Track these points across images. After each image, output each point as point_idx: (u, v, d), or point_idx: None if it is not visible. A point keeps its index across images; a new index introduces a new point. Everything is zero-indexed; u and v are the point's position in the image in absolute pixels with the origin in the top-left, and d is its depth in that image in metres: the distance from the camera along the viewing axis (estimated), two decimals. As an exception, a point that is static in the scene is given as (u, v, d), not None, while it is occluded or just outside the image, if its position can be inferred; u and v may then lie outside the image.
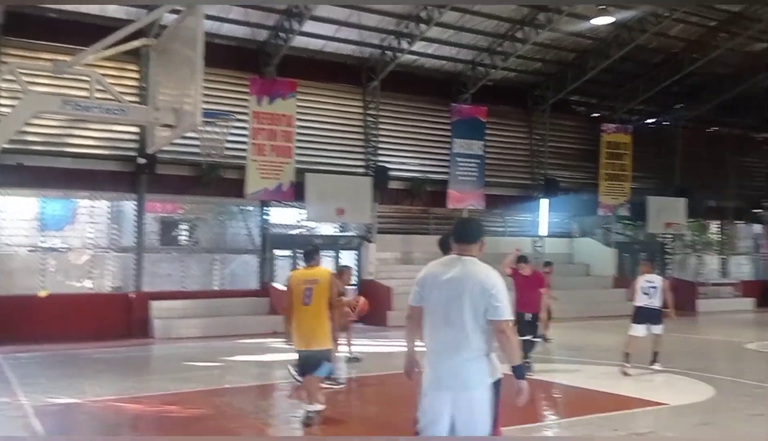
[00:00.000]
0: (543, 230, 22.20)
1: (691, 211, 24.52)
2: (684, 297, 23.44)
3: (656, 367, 9.50)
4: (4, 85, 12.99)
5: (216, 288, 18.93)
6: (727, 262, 27.67)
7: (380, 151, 19.40)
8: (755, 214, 27.67)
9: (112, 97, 6.76)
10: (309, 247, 7.24)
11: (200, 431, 6.52)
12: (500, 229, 23.62)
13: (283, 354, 12.14)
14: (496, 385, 3.73)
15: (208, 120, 7.39)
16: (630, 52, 19.51)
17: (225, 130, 8.02)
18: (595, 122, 23.55)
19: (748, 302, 24.37)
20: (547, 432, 6.08)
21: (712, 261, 27.91)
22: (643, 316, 9.59)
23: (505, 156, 21.93)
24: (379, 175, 18.73)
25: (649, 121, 25.05)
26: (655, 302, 9.62)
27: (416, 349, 3.95)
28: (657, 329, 9.61)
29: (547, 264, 14.61)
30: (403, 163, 20.14)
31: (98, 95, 6.85)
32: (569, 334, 15.67)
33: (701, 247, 28.17)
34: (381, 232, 19.78)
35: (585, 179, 23.31)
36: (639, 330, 9.56)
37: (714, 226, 28.35)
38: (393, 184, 19.51)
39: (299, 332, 6.43)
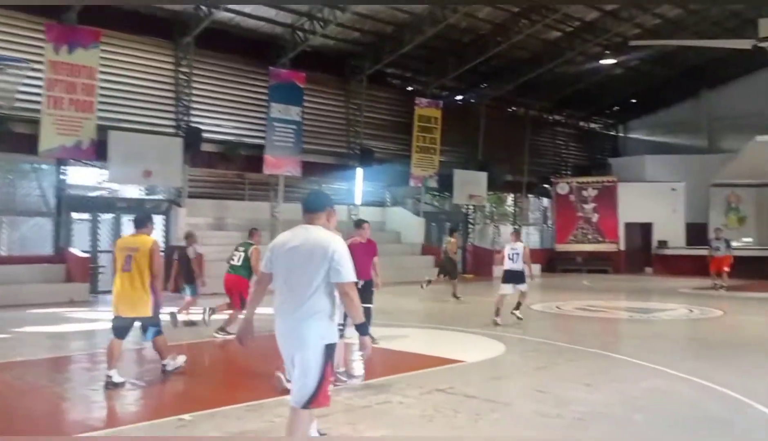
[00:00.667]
0: (358, 199, 22.74)
1: (491, 184, 26.48)
2: (482, 263, 25.51)
3: (517, 313, 11.43)
4: None
5: (3, 253, 17.08)
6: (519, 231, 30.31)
7: (193, 112, 18.57)
8: (544, 189, 30.59)
9: None
10: (140, 214, 7.23)
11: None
12: (316, 197, 23.82)
13: (79, 324, 11.36)
14: (329, 348, 3.91)
15: (-7, 64, 6.53)
16: (443, 30, 20.39)
17: (17, 79, 7.12)
18: (409, 96, 24.43)
19: (536, 268, 26.93)
20: (354, 392, 6.28)
21: (507, 230, 30.42)
22: (509, 277, 11.42)
23: (323, 124, 22.02)
24: (191, 137, 17.92)
25: (458, 98, 26.49)
26: (518, 266, 11.36)
27: (254, 316, 4.23)
28: (522, 287, 11.48)
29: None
30: (218, 125, 19.46)
31: None
32: (380, 300, 16.31)
33: (498, 217, 30.59)
34: (192, 196, 19.04)
35: (398, 150, 24.16)
36: (507, 288, 11.39)
37: (510, 199, 30.93)
38: (206, 147, 18.78)
39: (118, 298, 6.49)
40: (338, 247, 3.96)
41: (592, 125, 33.05)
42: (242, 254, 9.87)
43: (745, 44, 19.58)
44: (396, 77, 24.61)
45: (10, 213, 17.23)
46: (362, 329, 4.12)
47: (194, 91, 18.61)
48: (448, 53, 23.05)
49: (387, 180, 24.34)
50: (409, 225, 24.61)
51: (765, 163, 22.10)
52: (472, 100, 26.50)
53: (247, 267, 9.72)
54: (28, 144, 15.40)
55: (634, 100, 31.19)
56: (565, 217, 29.23)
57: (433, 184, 24.63)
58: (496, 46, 22.04)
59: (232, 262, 9.99)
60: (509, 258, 11.42)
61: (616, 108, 32.20)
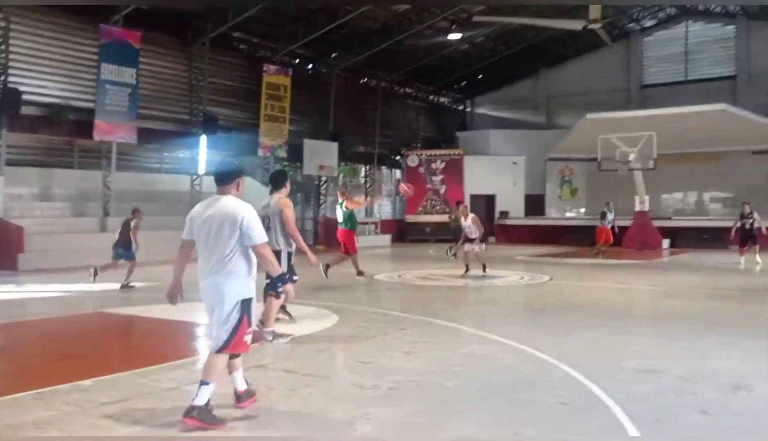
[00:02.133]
0: (202, 168, 21.78)
1: (342, 155, 26.44)
2: (334, 235, 25.46)
3: (487, 271, 14.43)
4: None
5: None
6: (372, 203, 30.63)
7: (12, 71, 16.78)
8: (396, 161, 31.07)
9: None
10: None
11: None
12: (156, 166, 22.57)
13: None
14: (245, 302, 4.58)
15: None
16: (290, -6, 19.88)
17: None
18: (257, 62, 23.65)
19: (386, 238, 27.46)
20: (163, 373, 5.90)
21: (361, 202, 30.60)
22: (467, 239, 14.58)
23: (162, 88, 20.81)
24: (8, 99, 16.23)
25: (308, 66, 26.05)
26: (474, 232, 14.39)
27: (181, 277, 4.79)
28: (480, 248, 14.62)
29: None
30: (41, 87, 17.74)
31: None
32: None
33: (352, 188, 30.70)
34: (12, 163, 17.33)
35: (246, 119, 23.40)
36: (468, 247, 14.64)
37: (362, 170, 31.13)
38: (27, 110, 17.13)
39: None
40: (246, 213, 4.54)
41: (442, 99, 33.93)
42: None
43: (576, 25, 20.82)
44: (243, 42, 23.72)
45: None
46: (280, 279, 5.35)
47: (12, 49, 16.80)
48: (298, 19, 22.52)
49: (234, 149, 23.49)
50: (259, 196, 23.81)
51: (594, 139, 23.71)
52: (323, 70, 26.17)
53: None
54: None
55: (480, 76, 32.34)
56: (414, 189, 29.86)
57: (282, 154, 24.15)
58: (346, 14, 21.81)
59: None
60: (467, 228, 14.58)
61: (463, 83, 33.26)
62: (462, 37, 26.67)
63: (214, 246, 4.54)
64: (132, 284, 12.29)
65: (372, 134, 28.83)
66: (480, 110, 34.70)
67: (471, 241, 14.50)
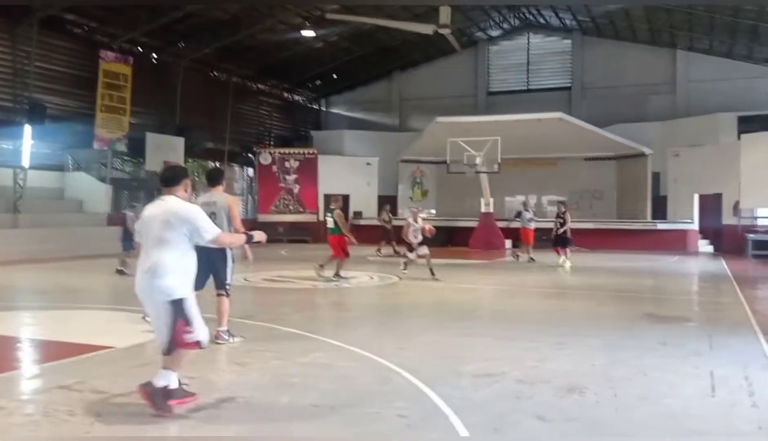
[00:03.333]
0: (26, 161, 19.69)
1: (190, 150, 25.12)
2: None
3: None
4: None
5: None
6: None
7: None
8: (248, 158, 30.09)
9: None
10: None
11: None
12: (-28, 157, 20.15)
13: None
14: (176, 303, 4.59)
15: None
16: (130, -24, 18.47)
17: None
18: (94, 47, 21.83)
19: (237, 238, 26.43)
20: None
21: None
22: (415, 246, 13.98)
23: (-20, 70, 18.56)
24: None
25: (153, 56, 24.49)
26: (419, 237, 13.97)
27: None
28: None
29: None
30: None
31: None
32: (43, 276, 14.27)
33: (201, 186, 29.30)
34: None
35: (80, 108, 21.55)
36: (412, 256, 14.10)
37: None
38: None
39: None
40: (191, 209, 4.72)
41: (296, 97, 33.37)
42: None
43: (426, 29, 21.12)
44: (77, 25, 21.78)
45: None
46: (248, 238, 5.28)
47: None
48: (139, 6, 21.00)
49: (66, 141, 21.56)
50: (94, 192, 22.19)
51: (444, 142, 24.25)
52: (169, 60, 24.72)
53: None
54: None
55: (335, 76, 32.15)
56: (267, 187, 29.12)
57: (122, 147, 22.52)
58: (190, 2, 20.66)
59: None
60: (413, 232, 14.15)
61: (318, 82, 32.91)
62: (316, 35, 26.28)
63: (151, 244, 4.68)
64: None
65: (223, 130, 27.68)
66: (335, 110, 34.53)
67: (414, 245, 13.89)
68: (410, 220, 14.28)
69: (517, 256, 19.71)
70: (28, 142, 19.57)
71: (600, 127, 26.32)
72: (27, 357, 6.93)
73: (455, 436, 4.38)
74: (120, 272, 13.99)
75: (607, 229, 24.75)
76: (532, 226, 19.35)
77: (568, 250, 17.25)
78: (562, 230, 17.17)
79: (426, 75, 32.13)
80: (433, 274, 13.71)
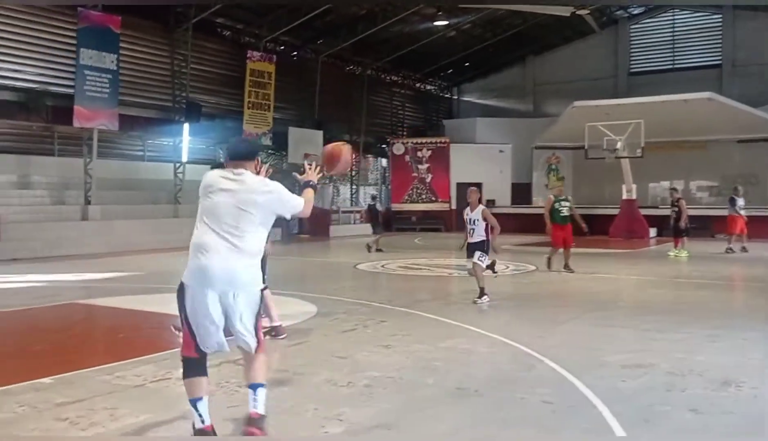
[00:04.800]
0: (184, 156, 21.39)
1: (327, 143, 25.91)
2: (319, 223, 25.23)
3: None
4: None
5: None
6: (357, 191, 30.36)
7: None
8: (382, 149, 30.76)
9: None
10: None
11: None
12: (139, 153, 22.18)
13: None
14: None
15: None
16: (274, -21, 19.47)
17: None
18: (241, 48, 23.24)
19: (370, 227, 27.16)
20: (129, 370, 5.63)
21: (346, 191, 30.36)
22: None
23: (144, 74, 20.40)
24: (-18, 83, 15.77)
25: (293, 53, 25.64)
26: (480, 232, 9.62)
27: None
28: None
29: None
30: (16, 72, 17.29)
31: None
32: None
33: (338, 177, 30.36)
34: (-12, 150, 16.89)
35: (230, 106, 23.03)
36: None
37: (349, 158, 30.76)
38: (3, 95, 16.69)
39: None
40: (276, 185, 4.06)
41: (428, 87, 33.60)
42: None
43: (564, 11, 20.55)
44: (226, 28, 23.27)
45: None
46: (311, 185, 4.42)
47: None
48: (282, 6, 22.10)
49: (217, 137, 23.13)
50: (244, 184, 23.57)
51: (582, 126, 23.51)
52: (308, 56, 25.78)
53: None
54: None
55: (467, 64, 32.03)
56: (400, 177, 29.64)
57: (267, 141, 23.78)
58: (329, 0, 21.42)
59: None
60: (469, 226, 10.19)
61: (450, 70, 32.94)
62: (448, 24, 26.34)
63: (230, 223, 3.80)
64: None
65: (358, 122, 28.51)
66: (466, 98, 34.42)
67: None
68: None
69: (730, 249, 17.17)
70: (186, 138, 21.26)
71: (754, 106, 24.37)
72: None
73: (603, 424, 4.39)
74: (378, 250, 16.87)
75: (764, 217, 22.91)
76: (743, 213, 17.52)
77: (684, 239, 16.18)
78: (679, 219, 15.99)
79: (561, 58, 31.22)
80: (567, 267, 12.99)
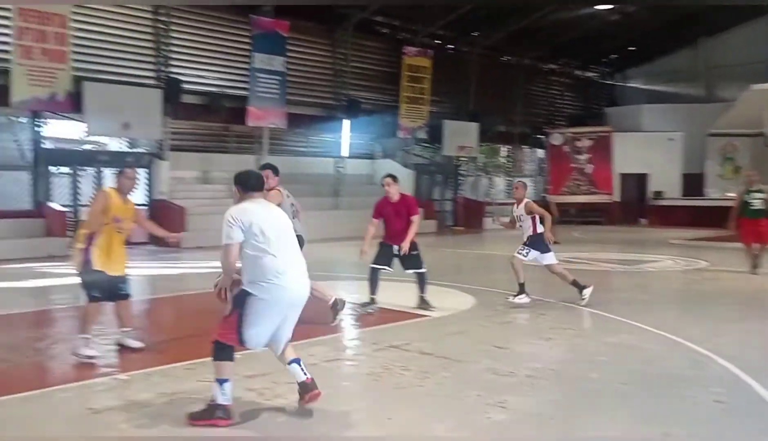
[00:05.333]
0: (345, 151, 22.36)
1: (483, 135, 26.03)
2: (473, 215, 25.29)
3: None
4: None
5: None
6: (512, 183, 29.96)
7: (173, 62, 18.08)
8: (538, 140, 30.11)
9: None
10: None
11: None
12: (303, 149, 23.46)
13: (55, 279, 11.17)
14: (239, 296, 4.30)
15: None
16: (431, -24, 19.71)
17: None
18: (397, 44, 23.80)
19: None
20: (303, 350, 6.10)
21: (501, 182, 30.10)
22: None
23: (308, 74, 21.50)
24: (171, 88, 17.50)
25: (449, 47, 25.83)
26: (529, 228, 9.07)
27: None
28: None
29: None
30: (199, 77, 18.99)
31: None
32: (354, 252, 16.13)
33: (491, 169, 30.20)
34: (176, 149, 18.68)
35: (387, 101, 23.67)
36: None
37: (503, 150, 30.48)
38: (188, 99, 18.38)
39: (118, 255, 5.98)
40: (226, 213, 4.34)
41: (588, 74, 32.35)
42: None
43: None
44: (384, 26, 23.92)
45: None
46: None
47: (174, 41, 18.10)
48: (437, 0, 22.31)
49: (375, 132, 23.92)
50: (399, 177, 24.10)
51: (760, 112, 21.56)
52: (464, 49, 25.84)
53: None
54: (0, 95, 15.03)
55: (632, 48, 30.43)
56: (558, 168, 28.86)
57: (422, 135, 24.22)
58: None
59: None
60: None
61: (613, 56, 31.47)
62: (613, 8, 25.19)
63: (291, 243, 4.44)
64: None
65: (513, 113, 28.13)
66: (631, 84, 32.68)
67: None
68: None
69: None
70: (346, 134, 22.22)
71: None
72: (364, 319, 7.92)
73: (784, 428, 4.14)
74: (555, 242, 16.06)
75: None
76: None
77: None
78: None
79: (738, 39, 28.68)
80: (756, 266, 11.31)
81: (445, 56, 25.23)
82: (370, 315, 7.79)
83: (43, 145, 16.57)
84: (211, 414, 4.27)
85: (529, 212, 8.81)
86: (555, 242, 15.67)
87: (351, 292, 8.47)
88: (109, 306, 6.13)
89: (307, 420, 4.31)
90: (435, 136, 24.49)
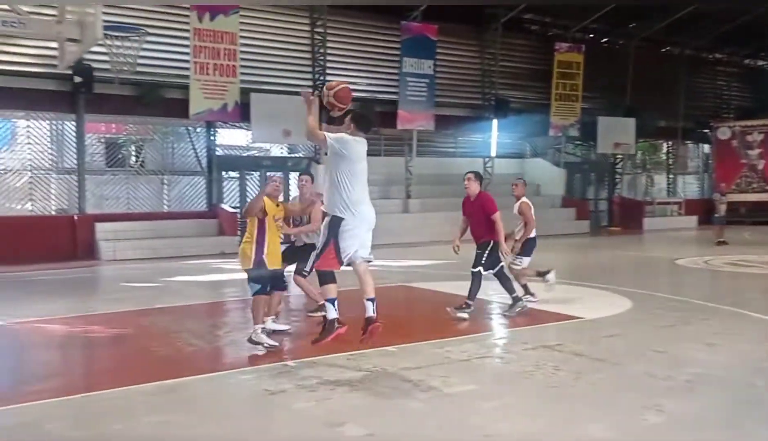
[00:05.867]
0: (493, 151, 22.31)
1: (641, 131, 24.85)
2: (631, 215, 24.19)
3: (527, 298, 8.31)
4: None
5: (164, 210, 18.76)
6: (675, 181, 28.31)
7: (328, 71, 19.00)
8: (703, 134, 28.20)
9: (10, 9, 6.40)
10: None
11: (115, 350, 6.61)
12: (451, 150, 23.70)
13: (226, 274, 12.26)
14: (333, 220, 5.24)
15: (116, 34, 7.09)
16: (582, -32, 19.16)
17: (136, 45, 7.71)
18: (548, 41, 23.37)
19: (692, 220, 25.14)
20: (456, 346, 6.29)
21: (662, 180, 28.54)
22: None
23: (456, 76, 21.71)
24: (327, 96, 18.40)
25: (602, 40, 24.92)
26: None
27: None
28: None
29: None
30: (352, 83, 19.55)
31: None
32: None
33: (651, 166, 28.72)
34: (330, 153, 19.60)
35: (536, 99, 23.32)
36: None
37: (664, 146, 28.85)
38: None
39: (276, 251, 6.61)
40: None
41: (761, 63, 29.74)
42: None
43: None
44: (534, 23, 23.57)
45: (167, 172, 18.82)
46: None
47: (329, 51, 19.01)
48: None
49: (525, 131, 23.64)
50: (550, 177, 23.78)
51: None
52: (619, 42, 24.81)
53: None
54: (180, 108, 16.66)
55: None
56: (726, 165, 26.85)
57: (574, 133, 23.59)
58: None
59: None
60: None
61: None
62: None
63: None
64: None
65: (674, 107, 26.53)
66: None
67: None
68: None
69: None
70: (494, 134, 22.16)
71: None
72: (514, 319, 7.98)
73: None
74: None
75: None
76: None
77: None
78: None
79: None
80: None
81: (599, 50, 24.39)
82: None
83: (215, 152, 18.12)
84: (331, 328, 5.26)
85: (520, 213, 8.44)
86: (722, 243, 14.74)
87: (499, 291, 8.50)
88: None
89: (460, 411, 4.51)
90: (588, 134, 23.74)
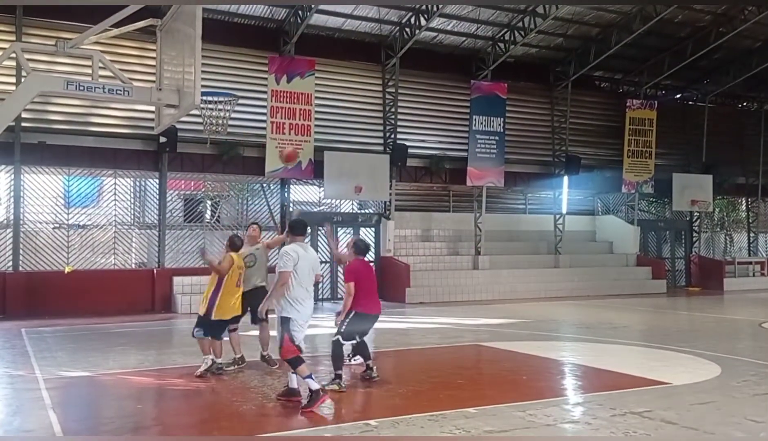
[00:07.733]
0: (564, 208, 22.03)
1: (718, 188, 24.10)
2: (710, 274, 23.28)
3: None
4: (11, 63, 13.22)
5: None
6: (756, 239, 27.15)
7: (399, 129, 19.36)
8: (786, 191, 27.05)
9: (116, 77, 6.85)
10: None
11: (196, 403, 6.72)
12: (521, 207, 23.54)
13: (316, 329, 12.32)
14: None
15: (210, 99, 7.47)
16: (655, 25, 19.08)
17: (228, 109, 8.10)
18: (619, 98, 23.21)
19: (776, 280, 23.99)
20: (538, 409, 6.12)
21: (742, 239, 27.42)
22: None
23: (526, 132, 21.73)
24: (398, 153, 18.74)
25: (675, 96, 24.56)
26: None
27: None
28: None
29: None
30: (422, 141, 20.10)
31: (105, 75, 6.98)
32: (583, 312, 15.66)
33: (730, 225, 27.69)
34: (400, 209, 19.82)
35: (608, 156, 23.03)
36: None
37: (744, 203, 27.81)
38: (412, 162, 19.51)
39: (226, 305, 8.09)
40: None
41: None
42: None
43: None
44: (604, 80, 23.52)
45: (243, 227, 19.32)
46: None
47: (400, 110, 19.40)
48: (662, 50, 21.51)
49: (596, 187, 23.28)
50: (623, 234, 23.25)
51: None
52: (693, 98, 24.38)
53: None
54: (256, 166, 17.29)
55: None
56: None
57: (648, 190, 23.06)
58: (718, 37, 20.12)
59: None
60: None
61: None
62: None
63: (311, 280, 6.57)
64: None
65: (754, 163, 25.68)
66: None
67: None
68: None
69: None
70: (565, 190, 21.92)
71: None
72: (596, 382, 7.77)
73: None
74: None
75: None
76: None
77: None
78: None
79: None
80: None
81: (673, 107, 24.07)
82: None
83: (288, 208, 18.57)
84: (316, 397, 5.99)
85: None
86: None
87: (576, 352, 8.28)
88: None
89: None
90: (663, 191, 23.20)
